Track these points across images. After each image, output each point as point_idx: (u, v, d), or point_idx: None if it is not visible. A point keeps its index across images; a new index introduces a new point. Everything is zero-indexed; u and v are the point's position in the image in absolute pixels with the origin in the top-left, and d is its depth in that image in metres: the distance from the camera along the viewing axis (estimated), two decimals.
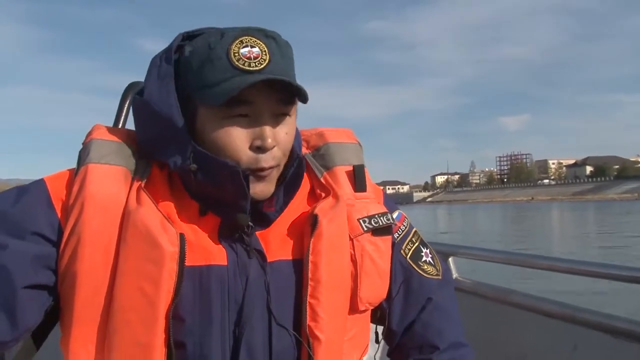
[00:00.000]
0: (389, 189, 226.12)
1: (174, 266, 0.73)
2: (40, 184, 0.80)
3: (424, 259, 0.97)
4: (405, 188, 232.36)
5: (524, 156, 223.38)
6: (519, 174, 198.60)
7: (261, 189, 0.80)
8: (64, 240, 0.75)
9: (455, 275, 1.92)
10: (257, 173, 0.78)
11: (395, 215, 0.95)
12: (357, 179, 0.91)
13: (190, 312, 0.76)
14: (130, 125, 1.39)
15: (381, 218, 0.89)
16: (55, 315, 0.80)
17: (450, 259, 1.92)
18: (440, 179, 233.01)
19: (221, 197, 0.79)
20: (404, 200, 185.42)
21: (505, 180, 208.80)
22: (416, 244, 0.98)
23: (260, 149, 0.77)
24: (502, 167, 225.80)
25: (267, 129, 0.77)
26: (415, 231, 0.99)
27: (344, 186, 0.90)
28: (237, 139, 0.77)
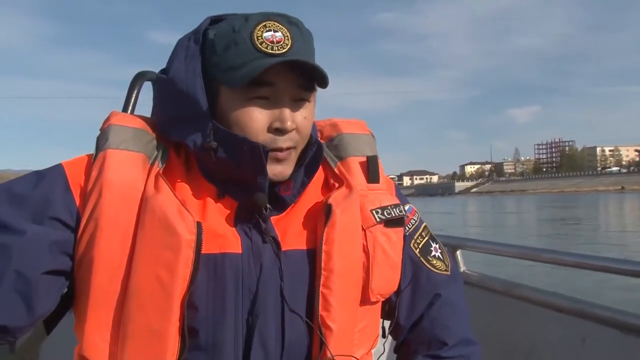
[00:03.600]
0: (416, 178, 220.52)
1: (190, 254, 0.74)
2: (58, 168, 0.81)
3: (433, 253, 0.97)
4: (434, 178, 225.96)
5: (566, 143, 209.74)
6: (570, 161, 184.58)
7: (280, 170, 0.81)
8: (81, 225, 0.75)
9: (462, 268, 1.91)
10: (275, 153, 0.79)
11: (406, 207, 0.94)
12: (371, 170, 0.91)
13: (204, 300, 0.76)
14: (139, 113, 1.39)
15: (394, 209, 0.89)
16: (68, 301, 0.81)
17: (457, 252, 1.91)
18: (470, 169, 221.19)
19: (240, 176, 0.80)
20: (445, 190, 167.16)
21: (546, 169, 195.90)
22: (426, 239, 0.98)
23: (278, 131, 0.79)
24: (541, 156, 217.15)
25: (287, 112, 0.79)
26: (425, 225, 0.99)
27: (357, 177, 0.90)
28: (257, 120, 0.78)
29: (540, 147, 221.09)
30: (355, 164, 0.92)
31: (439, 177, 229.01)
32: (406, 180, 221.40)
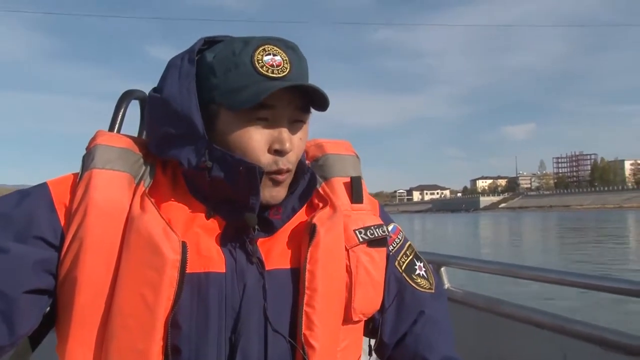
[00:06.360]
0: (427, 193, 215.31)
1: (174, 274, 0.74)
2: (43, 187, 0.81)
3: (417, 272, 0.98)
4: (447, 192, 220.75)
5: (588, 156, 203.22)
6: (602, 174, 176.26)
7: (277, 192, 0.82)
8: (65, 245, 0.75)
9: (447, 285, 1.93)
10: (274, 176, 0.81)
11: (390, 227, 0.96)
12: (354, 190, 0.93)
13: (187, 319, 0.76)
14: (125, 131, 1.38)
15: (377, 230, 0.90)
16: (51, 319, 0.81)
17: (442, 269, 1.93)
18: (482, 183, 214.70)
19: (232, 196, 0.81)
20: (469, 205, 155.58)
21: (575, 183, 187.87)
22: (410, 257, 0.99)
23: (278, 152, 0.80)
24: (560, 170, 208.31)
25: (286, 134, 0.80)
26: (410, 244, 1.00)
27: (341, 197, 0.91)
28: (257, 142, 0.79)
29: (560, 160, 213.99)
30: (339, 184, 0.93)
31: (451, 192, 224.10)
32: (416, 195, 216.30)
